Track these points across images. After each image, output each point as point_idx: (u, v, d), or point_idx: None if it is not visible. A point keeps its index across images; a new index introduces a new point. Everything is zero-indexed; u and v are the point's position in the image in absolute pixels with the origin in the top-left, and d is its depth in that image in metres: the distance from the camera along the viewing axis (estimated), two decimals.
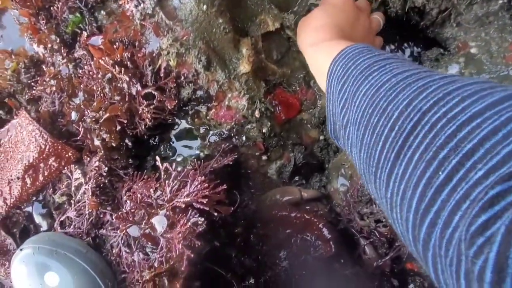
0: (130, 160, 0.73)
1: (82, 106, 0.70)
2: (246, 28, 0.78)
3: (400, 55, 0.54)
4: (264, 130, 0.75)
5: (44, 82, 0.77)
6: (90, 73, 0.71)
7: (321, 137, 0.85)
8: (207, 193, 0.59)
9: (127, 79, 0.66)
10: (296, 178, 0.80)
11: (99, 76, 0.69)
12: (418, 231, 0.29)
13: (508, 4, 0.70)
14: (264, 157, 0.79)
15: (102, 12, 0.82)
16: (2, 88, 0.82)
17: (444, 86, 0.33)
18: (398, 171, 0.32)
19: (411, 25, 0.86)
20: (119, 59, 0.68)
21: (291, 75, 0.83)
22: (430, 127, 0.30)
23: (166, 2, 0.68)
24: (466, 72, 0.70)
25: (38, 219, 0.73)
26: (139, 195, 0.65)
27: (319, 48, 0.55)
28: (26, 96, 0.80)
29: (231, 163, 0.73)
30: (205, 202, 0.59)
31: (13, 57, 0.82)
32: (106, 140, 0.69)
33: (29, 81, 0.81)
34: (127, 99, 0.68)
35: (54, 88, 0.75)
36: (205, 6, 0.67)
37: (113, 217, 0.66)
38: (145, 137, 0.74)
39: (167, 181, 0.64)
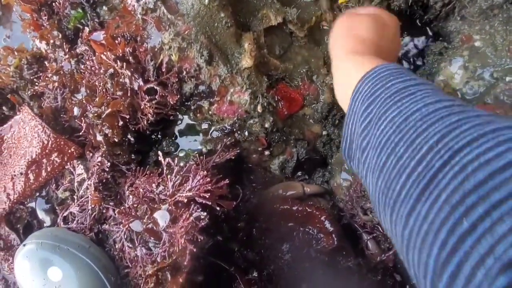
0: (133, 155, 0.73)
1: (84, 102, 0.70)
2: (248, 22, 0.78)
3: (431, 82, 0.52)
4: (266, 125, 0.75)
5: (46, 78, 0.77)
6: (92, 68, 0.71)
7: (324, 132, 0.85)
8: (209, 187, 0.59)
9: (129, 74, 0.66)
10: (299, 173, 0.80)
11: (101, 71, 0.69)
12: (438, 279, 0.28)
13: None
14: (266, 152, 0.78)
15: (104, 7, 0.82)
16: (5, 85, 0.82)
17: (479, 126, 0.31)
18: (421, 210, 0.30)
19: (414, 19, 0.85)
20: (121, 54, 0.68)
21: (294, 70, 0.83)
22: (460, 169, 0.29)
23: None
24: (470, 65, 0.69)
25: (41, 214, 0.73)
26: (141, 190, 0.65)
27: (351, 60, 0.52)
28: (29, 92, 0.80)
29: (233, 157, 0.72)
30: (207, 196, 0.59)
31: (15, 53, 0.82)
32: (109, 135, 0.69)
33: (31, 77, 0.81)
34: (129, 94, 0.68)
35: (56, 84, 0.75)
36: (207, 0, 0.66)
37: (116, 212, 0.66)
38: (148, 132, 0.74)
39: (169, 176, 0.64)
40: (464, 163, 0.29)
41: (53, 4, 0.81)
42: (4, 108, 0.82)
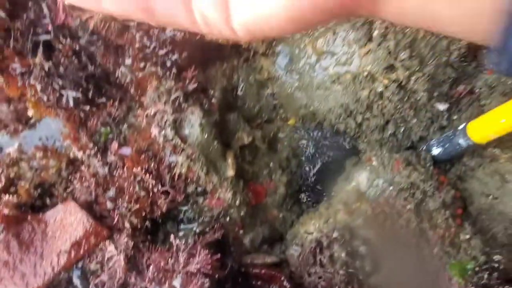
0: (148, 236, 1.03)
1: (116, 198, 1.01)
2: (230, 141, 1.15)
3: None
4: (242, 213, 1.10)
5: (83, 179, 1.06)
6: (123, 176, 1.02)
7: (281, 215, 1.21)
8: (209, 261, 0.91)
9: (153, 182, 0.98)
10: (264, 246, 1.14)
11: (131, 178, 1.00)
12: None
13: (393, 134, 1.14)
14: (241, 232, 1.12)
15: (125, 125, 1.15)
16: (46, 180, 1.10)
17: None
18: None
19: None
20: (146, 168, 1.00)
21: (259, 171, 1.20)
22: None
23: (181, 130, 1.03)
24: (370, 177, 1.10)
25: (76, 282, 0.99)
26: (157, 263, 0.95)
27: None
28: (66, 188, 1.08)
29: (219, 237, 1.05)
30: (209, 268, 0.90)
31: (56, 157, 1.11)
32: (134, 223, 0.99)
33: (68, 176, 1.10)
34: (150, 195, 1.00)
35: (92, 184, 1.05)
36: (206, 134, 1.03)
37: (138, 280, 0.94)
38: (159, 219, 1.05)
39: (178, 252, 0.95)
40: None
41: (88, 123, 1.13)
42: (45, 198, 1.09)
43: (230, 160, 1.08)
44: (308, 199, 1.29)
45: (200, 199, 1.07)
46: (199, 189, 1.06)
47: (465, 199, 1.06)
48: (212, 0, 0.32)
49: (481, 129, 0.92)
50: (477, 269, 0.86)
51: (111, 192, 1.04)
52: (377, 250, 1.00)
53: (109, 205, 1.02)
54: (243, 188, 1.12)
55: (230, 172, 1.07)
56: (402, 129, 1.15)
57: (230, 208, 1.09)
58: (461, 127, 0.99)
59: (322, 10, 0.30)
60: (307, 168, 1.26)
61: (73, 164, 1.12)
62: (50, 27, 1.02)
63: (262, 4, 0.31)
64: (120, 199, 1.00)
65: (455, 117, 1.10)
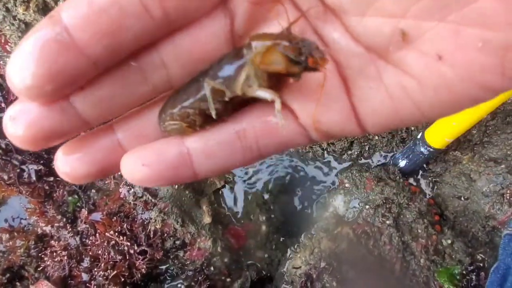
0: None
1: (91, 268, 0.96)
2: (203, 188, 1.14)
3: None
4: (225, 260, 1.06)
5: (54, 254, 1.01)
6: (96, 242, 0.98)
7: (266, 255, 1.18)
8: None
9: (128, 244, 0.95)
10: None
11: (105, 244, 0.96)
12: None
13: (360, 154, 1.17)
14: (228, 279, 1.08)
15: (93, 190, 1.12)
16: (13, 263, 1.03)
17: None
18: None
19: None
20: (119, 229, 0.97)
21: (236, 213, 1.18)
22: None
23: None
24: (346, 199, 1.11)
25: None
26: None
27: None
28: (36, 267, 1.02)
29: None
30: None
31: (23, 237, 1.05)
32: None
33: (38, 254, 1.04)
34: (127, 258, 0.95)
35: (65, 258, 0.99)
36: (176, 185, 1.01)
37: None
38: (140, 282, 1.00)
39: None
40: None
41: (53, 194, 1.09)
42: (15, 283, 1.02)
43: (205, 207, 1.06)
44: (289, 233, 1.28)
45: (181, 253, 1.04)
46: (178, 242, 1.03)
47: (439, 205, 1.08)
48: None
49: (437, 135, 0.96)
50: (464, 272, 0.86)
51: (86, 262, 0.99)
52: (366, 272, 0.99)
53: (84, 276, 0.96)
54: (223, 233, 1.10)
55: (207, 219, 1.05)
56: (367, 147, 1.18)
57: (213, 256, 1.06)
58: (419, 136, 1.03)
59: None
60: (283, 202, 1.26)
61: (42, 240, 1.07)
62: (3, 105, 1.01)
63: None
64: (95, 268, 0.96)
65: (412, 127, 1.14)
